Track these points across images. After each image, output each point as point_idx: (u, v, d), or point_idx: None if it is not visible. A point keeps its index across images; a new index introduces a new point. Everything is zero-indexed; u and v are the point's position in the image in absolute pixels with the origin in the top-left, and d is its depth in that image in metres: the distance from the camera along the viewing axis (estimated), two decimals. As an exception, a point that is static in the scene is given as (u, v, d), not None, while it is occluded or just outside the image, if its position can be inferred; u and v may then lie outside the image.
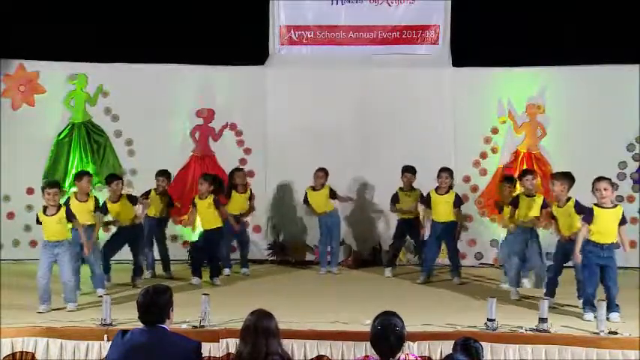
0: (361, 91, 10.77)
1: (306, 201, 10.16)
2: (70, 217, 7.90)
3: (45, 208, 7.83)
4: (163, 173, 9.77)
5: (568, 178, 8.03)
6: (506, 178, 9.64)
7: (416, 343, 6.56)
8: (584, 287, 7.52)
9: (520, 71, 10.67)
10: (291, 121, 10.79)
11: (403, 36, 11.07)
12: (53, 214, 7.77)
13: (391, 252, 10.11)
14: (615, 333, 6.72)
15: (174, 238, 10.67)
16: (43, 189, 8.02)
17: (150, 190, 9.67)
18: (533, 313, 7.10)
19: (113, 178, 9.30)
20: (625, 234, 7.51)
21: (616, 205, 7.54)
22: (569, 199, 7.96)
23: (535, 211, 8.54)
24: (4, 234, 10.72)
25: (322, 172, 10.02)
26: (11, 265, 10.22)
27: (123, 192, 9.24)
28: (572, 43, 10.20)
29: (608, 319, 6.96)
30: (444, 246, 9.60)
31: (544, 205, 8.52)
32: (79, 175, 8.86)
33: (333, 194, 10.07)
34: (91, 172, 9.74)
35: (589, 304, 7.41)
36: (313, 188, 10.08)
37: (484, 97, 10.78)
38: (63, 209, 7.84)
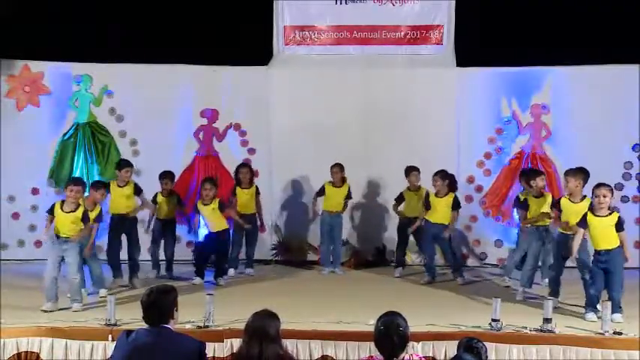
0: (365, 91, 10.74)
1: (320, 193, 10.09)
2: (86, 219, 7.93)
3: (62, 203, 7.86)
4: (167, 175, 9.74)
5: (582, 172, 7.94)
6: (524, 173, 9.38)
7: (420, 343, 6.58)
8: (587, 289, 7.51)
9: (524, 71, 10.62)
10: (295, 121, 10.76)
11: (407, 36, 11.06)
12: (70, 211, 7.81)
13: (399, 252, 10.09)
14: (620, 333, 6.72)
15: (178, 238, 10.65)
16: (66, 185, 8.10)
17: (156, 194, 9.67)
18: (538, 314, 7.10)
19: (125, 164, 9.29)
20: (625, 240, 7.42)
21: (612, 212, 7.39)
22: (584, 197, 7.79)
23: (546, 210, 8.51)
24: (9, 234, 10.75)
25: (337, 167, 9.96)
26: (16, 265, 10.23)
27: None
28: (576, 43, 10.15)
29: (611, 319, 6.93)
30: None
31: (553, 204, 8.39)
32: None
33: (349, 194, 10.06)
34: (84, 180, 9.53)
35: (591, 305, 7.41)
36: (333, 184, 10.04)
37: (488, 98, 10.75)
38: (81, 210, 7.89)
